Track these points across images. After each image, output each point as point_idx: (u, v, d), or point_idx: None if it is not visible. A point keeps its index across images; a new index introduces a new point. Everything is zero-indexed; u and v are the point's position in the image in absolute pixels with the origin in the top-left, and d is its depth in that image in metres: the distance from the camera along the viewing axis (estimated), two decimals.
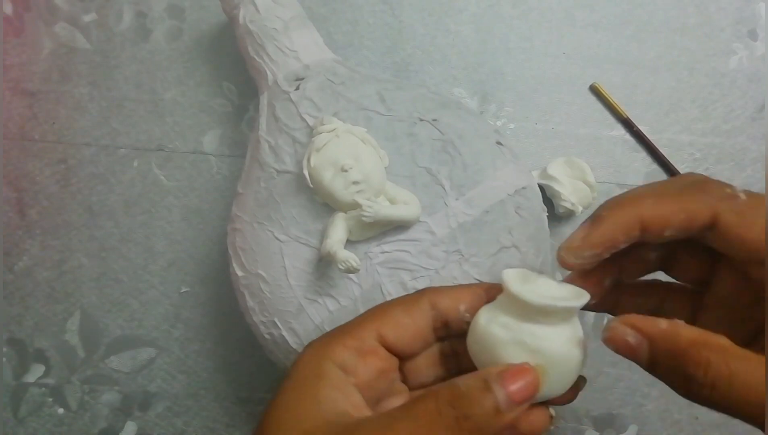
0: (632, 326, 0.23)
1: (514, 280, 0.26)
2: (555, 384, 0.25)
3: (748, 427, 0.25)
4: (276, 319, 0.34)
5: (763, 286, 0.23)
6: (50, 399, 0.44)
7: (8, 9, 0.47)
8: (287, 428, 0.24)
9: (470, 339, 0.26)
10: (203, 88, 0.47)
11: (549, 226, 0.38)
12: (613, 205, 0.25)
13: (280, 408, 0.25)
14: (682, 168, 0.47)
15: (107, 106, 0.47)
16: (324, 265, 0.33)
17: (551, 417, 0.27)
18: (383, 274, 0.33)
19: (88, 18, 0.47)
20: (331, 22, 0.48)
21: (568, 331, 0.25)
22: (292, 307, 0.34)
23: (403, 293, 0.32)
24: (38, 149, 0.46)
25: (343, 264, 0.31)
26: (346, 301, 0.33)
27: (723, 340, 0.21)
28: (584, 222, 0.26)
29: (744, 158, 0.47)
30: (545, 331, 0.25)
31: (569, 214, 0.45)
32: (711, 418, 0.43)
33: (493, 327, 0.25)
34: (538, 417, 0.26)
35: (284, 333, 0.34)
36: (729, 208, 0.23)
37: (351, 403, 0.25)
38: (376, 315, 0.27)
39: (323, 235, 0.33)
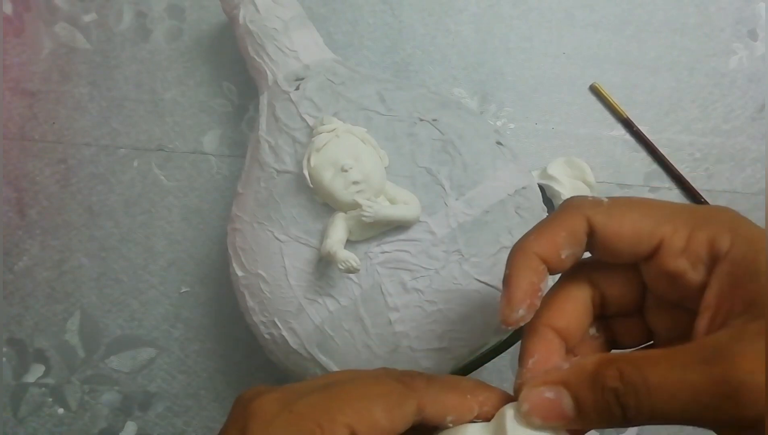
0: (542, 383, 0.22)
1: (514, 427, 0.23)
2: None
3: None
4: (276, 319, 0.34)
5: (661, 284, 0.24)
6: (50, 399, 0.44)
7: (8, 9, 0.47)
8: None
9: None
10: (203, 88, 0.47)
11: None
12: (510, 264, 0.25)
13: None
14: (682, 168, 0.47)
15: (107, 106, 0.47)
16: (324, 265, 0.33)
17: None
18: (383, 274, 0.33)
19: (88, 18, 0.47)
20: (331, 22, 0.48)
21: None
22: (292, 307, 0.34)
23: (403, 293, 0.33)
24: (38, 149, 0.46)
25: (343, 264, 0.31)
26: (346, 301, 0.33)
27: (621, 352, 0.22)
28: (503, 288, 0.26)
29: (744, 158, 0.47)
30: None
31: None
32: None
33: None
34: None
35: (284, 333, 0.34)
36: (598, 212, 0.24)
37: None
38: (348, 402, 0.23)
39: (323, 235, 0.33)
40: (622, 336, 0.27)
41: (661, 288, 0.24)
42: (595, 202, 0.25)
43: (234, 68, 0.47)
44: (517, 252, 0.25)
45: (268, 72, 0.38)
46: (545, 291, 0.26)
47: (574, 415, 0.22)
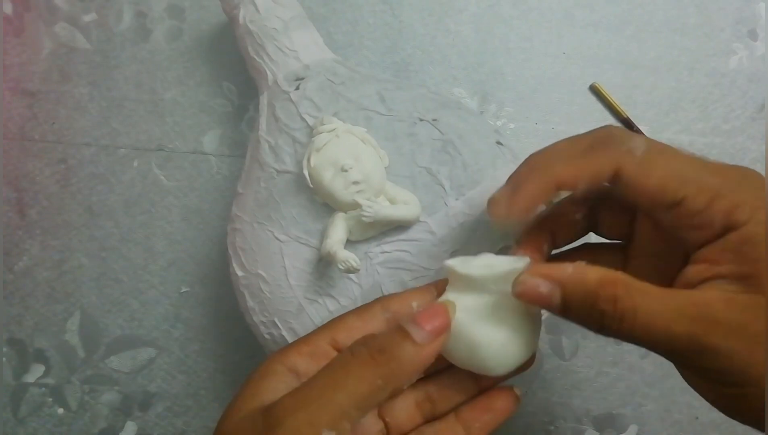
0: (542, 275, 0.24)
1: (456, 264, 0.27)
2: (516, 349, 0.26)
3: (747, 427, 0.25)
4: (276, 319, 0.34)
5: (672, 230, 0.25)
6: (50, 399, 0.44)
7: (8, 9, 0.47)
8: (225, 421, 0.25)
9: None
10: (203, 88, 0.47)
11: None
12: (529, 169, 0.27)
13: (225, 409, 0.26)
14: None
15: (107, 106, 0.47)
16: (324, 265, 0.33)
17: (518, 397, 0.29)
18: (383, 274, 0.33)
19: (88, 18, 0.47)
20: (331, 22, 0.48)
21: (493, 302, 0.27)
22: (292, 307, 0.34)
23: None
24: (38, 149, 0.46)
25: (343, 264, 0.31)
26: (346, 301, 0.33)
27: (624, 276, 0.23)
28: (506, 183, 0.28)
29: (744, 158, 0.47)
30: (501, 298, 0.26)
31: None
32: (711, 418, 0.43)
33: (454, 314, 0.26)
34: (505, 399, 0.28)
35: (284, 333, 0.34)
36: (629, 161, 0.25)
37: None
38: (330, 323, 0.28)
39: (323, 235, 0.33)
40: (603, 227, 0.29)
41: (665, 224, 0.26)
42: (629, 150, 0.25)
43: (234, 68, 0.47)
44: (540, 167, 0.27)
45: (268, 72, 0.38)
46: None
47: (557, 310, 0.24)
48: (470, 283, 0.27)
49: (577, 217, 0.30)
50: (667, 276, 0.26)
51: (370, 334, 0.25)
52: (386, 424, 0.29)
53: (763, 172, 0.25)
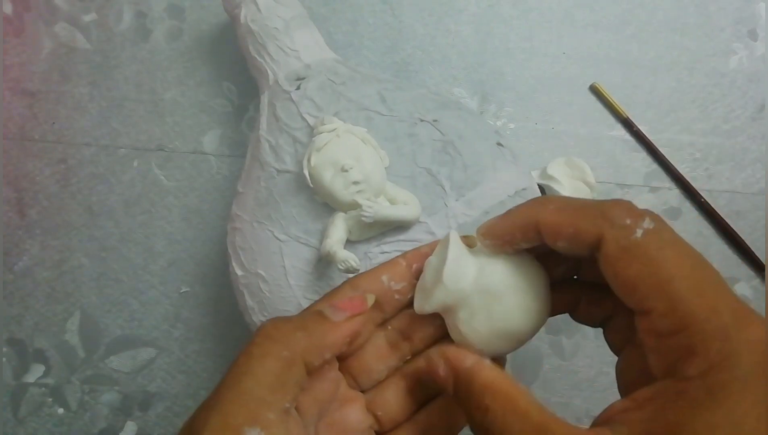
0: (444, 359, 0.24)
1: (419, 304, 0.26)
2: (509, 315, 0.25)
3: None
4: None
5: (648, 337, 0.21)
6: (50, 399, 0.44)
7: (8, 9, 0.47)
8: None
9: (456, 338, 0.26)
10: (203, 88, 0.47)
11: None
12: (522, 205, 0.25)
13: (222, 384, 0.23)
14: (682, 168, 0.47)
15: (107, 106, 0.47)
16: (324, 265, 0.33)
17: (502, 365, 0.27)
18: None
19: (88, 18, 0.47)
20: (331, 22, 0.48)
21: (512, 263, 0.25)
22: (291, 306, 0.34)
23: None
24: (38, 149, 0.46)
25: (343, 264, 0.31)
26: None
27: (513, 392, 0.22)
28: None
29: (744, 158, 0.47)
30: (493, 263, 0.25)
31: None
32: None
33: (464, 327, 0.25)
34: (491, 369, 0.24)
35: None
36: (616, 238, 0.21)
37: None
38: (300, 317, 0.26)
39: (323, 235, 0.33)
40: (580, 314, 0.27)
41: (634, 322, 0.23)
42: (624, 226, 0.22)
43: (234, 68, 0.47)
44: (531, 205, 0.25)
45: (269, 71, 0.38)
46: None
47: (451, 396, 0.23)
48: (447, 307, 0.25)
49: (559, 271, 0.27)
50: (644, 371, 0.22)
51: (270, 320, 0.24)
52: (377, 419, 0.27)
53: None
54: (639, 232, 0.21)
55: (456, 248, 0.25)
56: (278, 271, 0.34)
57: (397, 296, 0.27)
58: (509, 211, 0.25)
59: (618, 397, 0.24)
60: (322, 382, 0.25)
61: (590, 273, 0.26)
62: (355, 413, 0.26)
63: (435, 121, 0.35)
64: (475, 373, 0.23)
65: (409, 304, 0.27)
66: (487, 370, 0.23)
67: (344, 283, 0.27)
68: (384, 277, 0.27)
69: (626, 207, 0.22)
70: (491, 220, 0.25)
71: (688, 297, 0.20)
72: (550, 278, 0.26)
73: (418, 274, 0.27)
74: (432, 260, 0.26)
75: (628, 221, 0.21)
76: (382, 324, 0.27)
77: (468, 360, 0.23)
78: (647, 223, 0.21)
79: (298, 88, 0.37)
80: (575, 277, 0.27)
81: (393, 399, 0.27)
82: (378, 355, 0.27)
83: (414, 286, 0.27)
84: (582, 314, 0.27)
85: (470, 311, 0.25)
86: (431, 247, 0.27)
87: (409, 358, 0.28)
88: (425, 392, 0.27)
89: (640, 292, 0.21)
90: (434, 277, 0.25)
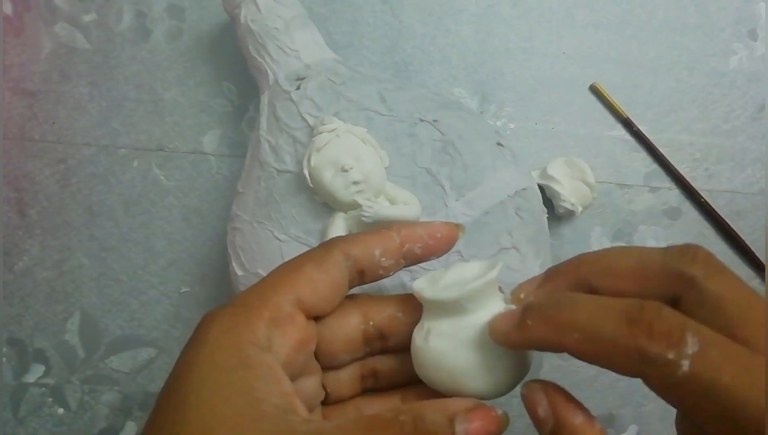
0: (551, 403, 0.21)
1: (424, 287, 0.25)
2: (507, 371, 0.24)
3: None
4: None
5: None
6: (50, 399, 0.44)
7: (8, 9, 0.47)
8: None
9: (417, 362, 0.25)
10: (203, 88, 0.47)
11: (549, 227, 0.38)
12: (573, 259, 0.23)
13: (197, 407, 0.21)
14: (682, 168, 0.47)
15: (107, 106, 0.47)
16: None
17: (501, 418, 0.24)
18: None
19: (88, 18, 0.47)
20: (331, 22, 0.48)
21: (500, 308, 0.24)
22: None
23: (403, 293, 0.32)
24: (38, 149, 0.46)
25: None
26: None
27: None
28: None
29: (744, 158, 0.47)
30: (480, 317, 0.24)
31: (569, 215, 0.45)
32: None
33: (431, 341, 0.24)
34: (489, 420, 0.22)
35: None
36: (659, 376, 0.19)
37: (286, 397, 0.21)
38: (287, 276, 0.24)
39: (323, 235, 0.33)
40: None
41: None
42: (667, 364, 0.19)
43: (234, 68, 0.47)
44: (585, 258, 0.23)
45: (269, 71, 0.38)
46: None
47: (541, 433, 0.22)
48: (443, 307, 0.24)
49: None
50: None
51: (421, 420, 0.20)
52: (327, 394, 0.26)
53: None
54: (685, 365, 0.18)
55: (493, 277, 0.23)
56: None
57: (381, 271, 0.26)
58: (555, 267, 0.23)
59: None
60: (304, 354, 0.24)
61: None
62: (313, 383, 0.25)
63: (435, 121, 0.35)
64: (583, 432, 0.21)
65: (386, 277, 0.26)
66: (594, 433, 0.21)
67: (333, 247, 0.25)
68: (377, 251, 0.25)
69: (665, 332, 0.19)
70: (531, 279, 0.24)
71: (755, 416, 0.18)
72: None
73: (408, 254, 0.26)
74: (464, 266, 0.25)
75: (671, 356, 0.18)
76: (366, 321, 0.26)
77: (578, 417, 0.21)
78: (691, 347, 0.18)
79: (298, 88, 0.37)
80: None
81: (346, 380, 0.27)
82: (349, 347, 0.26)
83: (400, 265, 0.26)
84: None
85: (453, 331, 0.24)
86: (426, 229, 0.26)
87: (374, 355, 0.27)
88: (376, 383, 0.27)
89: (701, 420, 0.19)
90: (458, 280, 0.24)
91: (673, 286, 0.21)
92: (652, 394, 0.20)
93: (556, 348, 0.21)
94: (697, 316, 0.19)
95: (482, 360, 0.23)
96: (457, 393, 0.24)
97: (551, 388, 0.22)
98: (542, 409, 0.21)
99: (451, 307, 0.24)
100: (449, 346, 0.23)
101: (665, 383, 0.19)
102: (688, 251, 0.21)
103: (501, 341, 0.23)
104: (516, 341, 0.22)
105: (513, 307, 0.24)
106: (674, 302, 0.21)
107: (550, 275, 0.24)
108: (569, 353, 0.21)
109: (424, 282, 0.25)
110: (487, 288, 0.23)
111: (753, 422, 0.17)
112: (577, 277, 0.23)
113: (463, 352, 0.23)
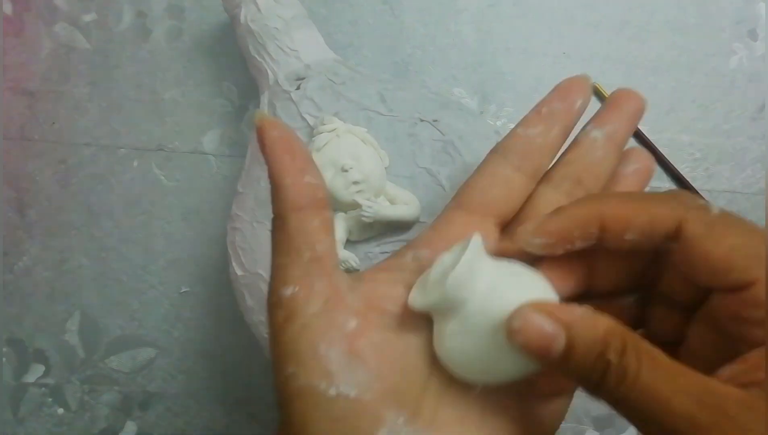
0: (548, 313, 0.20)
1: (416, 297, 0.23)
2: (505, 352, 0.22)
3: None
4: None
5: (729, 321, 0.21)
6: (50, 399, 0.44)
7: (8, 9, 0.47)
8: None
9: (451, 370, 0.23)
10: (203, 88, 0.47)
11: None
12: (576, 200, 0.23)
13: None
14: (682, 168, 0.47)
15: (107, 106, 0.47)
16: None
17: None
18: None
19: (88, 18, 0.47)
20: (331, 22, 0.48)
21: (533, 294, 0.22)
22: None
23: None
24: (38, 149, 0.46)
25: (343, 264, 0.31)
26: None
27: (633, 334, 0.20)
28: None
29: (744, 158, 0.47)
30: (480, 298, 0.22)
31: None
32: None
33: (448, 344, 0.22)
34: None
35: None
36: (697, 218, 0.21)
37: None
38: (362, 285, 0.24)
39: None
40: (653, 323, 0.24)
41: (721, 311, 0.21)
42: (701, 207, 0.21)
43: (234, 68, 0.47)
44: (590, 201, 0.23)
45: (269, 71, 0.38)
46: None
47: (555, 357, 0.20)
48: (438, 309, 0.22)
49: (628, 301, 0.25)
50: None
51: None
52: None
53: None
54: (716, 210, 0.21)
55: (473, 253, 0.22)
56: None
57: None
58: (561, 209, 0.23)
59: None
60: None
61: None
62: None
63: (435, 121, 0.35)
64: (594, 318, 0.20)
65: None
66: (602, 317, 0.20)
67: (408, 250, 0.25)
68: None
69: (689, 193, 0.22)
70: (539, 219, 0.23)
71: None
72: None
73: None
74: (445, 258, 0.23)
75: (702, 202, 0.21)
76: None
77: (576, 309, 0.20)
78: (715, 205, 0.21)
79: (298, 88, 0.37)
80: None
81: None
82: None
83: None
84: (656, 323, 0.24)
85: (462, 327, 0.22)
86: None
87: None
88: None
89: (738, 266, 0.20)
90: (440, 276, 0.22)
91: (679, 214, 0.21)
92: None
93: (595, 221, 0.22)
94: (694, 241, 0.21)
95: (503, 342, 0.21)
96: (504, 379, 0.23)
97: (541, 305, 0.21)
98: (548, 325, 0.20)
99: (448, 305, 0.22)
100: (468, 343, 0.22)
101: (704, 222, 0.21)
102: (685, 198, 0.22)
103: (540, 232, 0.23)
104: (557, 226, 0.23)
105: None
106: (676, 233, 0.21)
107: (559, 217, 0.23)
108: (610, 228, 0.22)
109: (414, 291, 0.24)
110: (470, 268, 0.22)
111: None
112: (589, 209, 0.22)
113: (483, 341, 0.22)
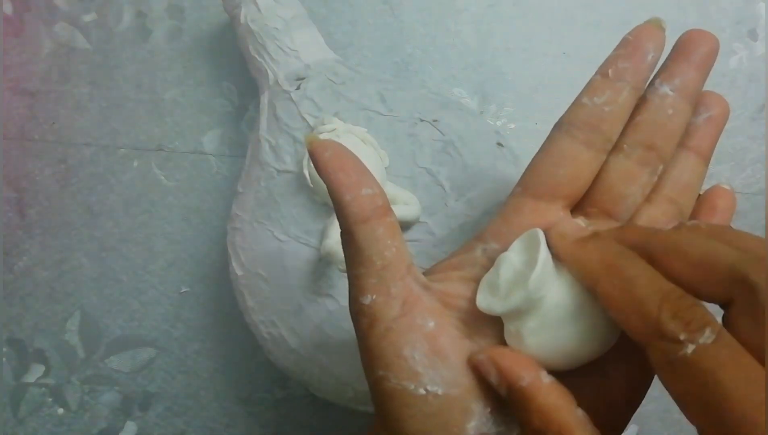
0: (498, 370, 0.22)
1: (491, 301, 0.24)
2: (582, 335, 0.23)
3: None
4: (275, 319, 0.34)
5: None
6: (50, 399, 0.44)
7: (8, 9, 0.47)
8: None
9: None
10: (203, 88, 0.47)
11: None
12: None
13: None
14: None
15: (107, 106, 0.47)
16: (324, 265, 0.33)
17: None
18: None
19: (88, 18, 0.47)
20: (331, 22, 0.48)
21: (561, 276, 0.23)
22: (291, 306, 0.34)
23: None
24: (38, 149, 0.46)
25: (343, 264, 0.31)
26: (345, 301, 0.33)
27: (569, 424, 0.20)
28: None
29: (744, 158, 0.47)
30: (556, 293, 0.23)
31: None
32: None
33: (529, 342, 0.23)
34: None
35: (284, 332, 0.34)
36: (663, 350, 0.19)
37: None
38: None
39: (323, 235, 0.33)
40: None
41: None
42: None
43: (234, 68, 0.47)
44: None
45: (269, 71, 0.38)
46: None
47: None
48: (519, 310, 0.23)
49: None
50: None
51: None
52: None
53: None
54: (690, 348, 0.18)
55: (546, 251, 0.23)
56: (278, 271, 0.34)
57: None
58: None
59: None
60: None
61: None
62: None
63: (435, 121, 0.35)
64: (531, 395, 0.21)
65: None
66: (544, 395, 0.21)
67: (476, 242, 0.26)
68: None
69: (687, 320, 0.19)
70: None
71: (738, 420, 0.17)
72: None
73: None
74: (510, 256, 0.24)
75: (681, 337, 0.19)
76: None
77: (524, 378, 0.22)
78: (704, 339, 0.18)
79: (298, 88, 0.37)
80: None
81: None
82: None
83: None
84: None
85: (541, 322, 0.23)
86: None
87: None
88: None
89: (688, 411, 0.19)
90: (514, 277, 0.23)
91: (732, 291, 0.20)
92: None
93: (591, 280, 0.22)
94: (739, 323, 0.19)
95: (583, 326, 0.23)
96: (586, 360, 0.23)
97: (498, 357, 0.22)
98: (493, 377, 0.22)
99: (528, 305, 0.23)
100: (548, 337, 0.23)
101: (665, 358, 0.19)
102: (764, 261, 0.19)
103: (557, 246, 0.23)
104: (567, 252, 0.23)
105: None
106: (727, 303, 0.20)
107: (624, 230, 0.23)
108: (597, 293, 0.21)
109: (486, 295, 0.24)
110: (546, 268, 0.23)
111: (739, 426, 0.17)
112: (647, 245, 0.22)
113: (563, 331, 0.23)
